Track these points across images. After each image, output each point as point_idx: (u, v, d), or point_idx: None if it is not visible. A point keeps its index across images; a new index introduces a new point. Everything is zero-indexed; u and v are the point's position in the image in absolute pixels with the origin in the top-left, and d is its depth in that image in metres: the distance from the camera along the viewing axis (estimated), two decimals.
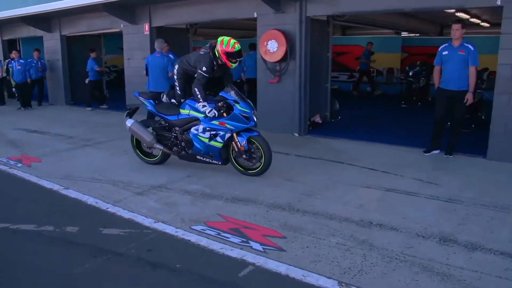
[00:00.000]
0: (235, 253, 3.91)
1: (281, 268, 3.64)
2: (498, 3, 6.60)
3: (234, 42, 5.98)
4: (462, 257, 3.84)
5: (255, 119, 5.95)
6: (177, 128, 6.35)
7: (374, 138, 8.19)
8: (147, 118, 8.04)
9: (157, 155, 6.74)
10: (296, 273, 3.56)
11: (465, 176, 6.12)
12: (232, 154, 6.15)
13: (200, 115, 6.08)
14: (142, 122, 6.61)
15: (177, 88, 6.63)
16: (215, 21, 10.89)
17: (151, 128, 6.58)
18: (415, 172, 6.13)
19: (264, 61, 8.87)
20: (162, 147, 6.47)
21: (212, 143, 6.04)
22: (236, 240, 4.15)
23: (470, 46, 6.67)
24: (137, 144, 6.88)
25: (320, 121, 9.35)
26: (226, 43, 5.96)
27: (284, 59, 8.55)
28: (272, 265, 3.70)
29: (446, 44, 6.91)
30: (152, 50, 10.64)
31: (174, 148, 6.45)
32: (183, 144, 6.33)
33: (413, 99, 13.04)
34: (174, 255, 3.92)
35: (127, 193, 5.50)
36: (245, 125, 5.90)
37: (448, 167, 6.52)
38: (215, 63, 6.10)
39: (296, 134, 8.61)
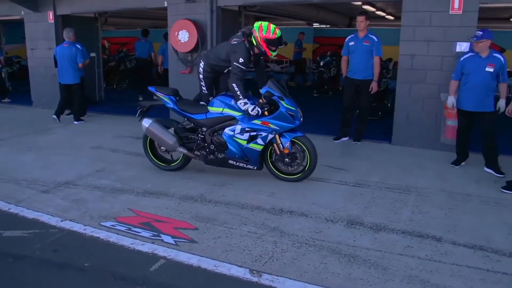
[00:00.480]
0: (146, 247, 3.84)
1: (193, 260, 3.63)
2: None
3: (275, 28, 5.36)
4: (368, 238, 4.06)
5: (301, 118, 5.40)
6: (204, 129, 5.61)
7: None
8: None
9: (177, 160, 5.95)
10: (208, 264, 3.56)
11: (372, 161, 6.45)
12: (271, 158, 5.57)
13: (237, 114, 5.39)
14: (161, 122, 5.79)
15: (204, 88, 5.91)
16: (124, 10, 10.54)
17: (172, 129, 5.78)
18: (326, 159, 6.32)
19: (176, 51, 8.74)
20: (186, 151, 5.69)
21: (251, 145, 5.36)
22: (147, 234, 4.07)
23: (374, 37, 7.01)
24: (151, 147, 6.05)
25: None
26: (266, 29, 5.32)
27: (195, 49, 8.45)
28: (183, 257, 3.67)
29: (352, 35, 7.21)
30: (59, 40, 10.12)
31: (201, 151, 5.69)
32: (212, 147, 5.59)
33: (324, 88, 13.49)
34: (82, 254, 3.77)
35: (31, 192, 5.19)
36: (291, 124, 5.30)
37: (356, 153, 6.84)
38: (251, 52, 5.51)
39: None
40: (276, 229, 4.19)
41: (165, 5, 8.87)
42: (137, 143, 7.13)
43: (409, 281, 3.38)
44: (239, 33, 5.59)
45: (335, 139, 7.46)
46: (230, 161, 5.54)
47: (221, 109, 5.48)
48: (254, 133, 5.32)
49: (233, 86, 5.30)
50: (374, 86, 7.04)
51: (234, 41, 5.52)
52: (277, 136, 5.34)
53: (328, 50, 14.31)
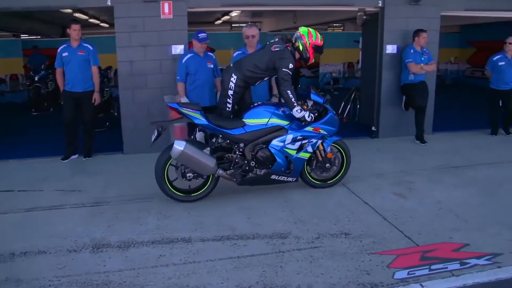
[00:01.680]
0: None
1: None
2: (109, 3, 6.80)
3: (320, 34, 5.25)
4: (118, 259, 3.80)
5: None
6: (242, 145, 5.03)
7: (5, 155, 7.23)
8: None
9: (202, 187, 5.14)
10: None
11: (107, 175, 6.15)
12: (311, 165, 5.38)
13: (285, 123, 5.12)
14: (193, 143, 4.93)
15: (229, 105, 5.22)
16: None
17: (208, 149, 4.96)
18: (56, 183, 5.74)
19: None
20: (225, 174, 5.02)
21: (301, 154, 5.14)
22: None
23: (89, 46, 6.67)
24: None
25: None
26: (315, 35, 5.21)
27: None
28: None
29: (65, 45, 6.68)
30: None
31: (237, 171, 5.08)
32: (252, 163, 5.05)
33: (44, 105, 12.36)
34: None
35: None
36: (336, 128, 5.35)
37: (89, 170, 6.39)
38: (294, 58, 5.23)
39: None
40: (10, 279, 3.48)
41: None
42: None
43: None
44: (277, 39, 5.30)
45: (63, 159, 6.80)
46: (272, 176, 5.18)
47: (266, 119, 5.08)
48: (305, 141, 5.15)
49: (287, 93, 4.99)
50: (96, 97, 6.72)
51: (275, 47, 5.17)
52: (320, 142, 5.30)
53: (42, 64, 13.11)
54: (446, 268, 3.58)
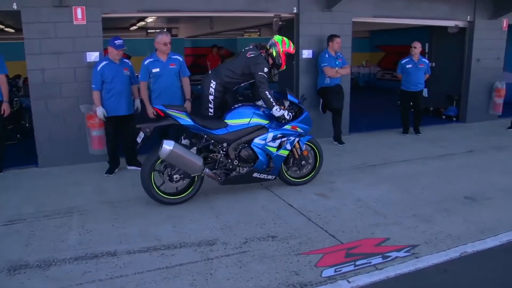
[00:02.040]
0: None
1: None
2: (15, 7, 6.39)
3: (293, 43, 5.82)
4: (39, 279, 3.58)
5: None
6: (225, 145, 5.24)
7: None
8: None
9: (188, 187, 5.24)
10: None
11: (21, 190, 5.77)
12: (287, 164, 5.68)
13: (265, 122, 5.40)
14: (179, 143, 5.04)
15: (211, 110, 5.63)
16: None
17: (195, 149, 5.16)
18: None
19: None
20: (210, 173, 5.18)
21: (281, 152, 5.42)
22: None
23: None
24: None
25: None
26: (288, 44, 5.66)
27: None
28: None
29: None
30: None
31: (221, 170, 5.28)
32: (236, 162, 5.28)
33: None
34: None
35: None
36: (311, 126, 5.67)
37: (0, 186, 5.96)
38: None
39: None
40: None
41: None
42: None
43: None
44: (252, 47, 5.69)
45: None
46: (254, 174, 5.38)
47: (247, 119, 5.32)
48: (284, 139, 5.41)
49: (266, 93, 5.29)
50: (5, 108, 6.30)
51: (250, 54, 5.55)
52: (297, 140, 5.56)
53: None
54: (370, 262, 3.76)
